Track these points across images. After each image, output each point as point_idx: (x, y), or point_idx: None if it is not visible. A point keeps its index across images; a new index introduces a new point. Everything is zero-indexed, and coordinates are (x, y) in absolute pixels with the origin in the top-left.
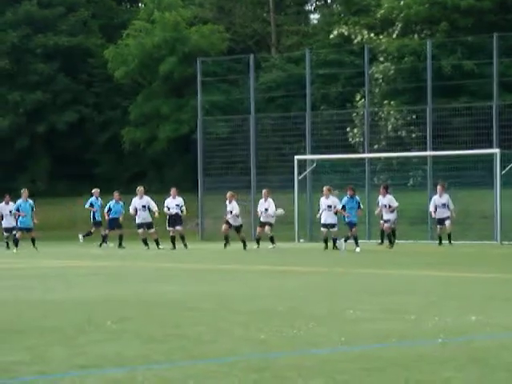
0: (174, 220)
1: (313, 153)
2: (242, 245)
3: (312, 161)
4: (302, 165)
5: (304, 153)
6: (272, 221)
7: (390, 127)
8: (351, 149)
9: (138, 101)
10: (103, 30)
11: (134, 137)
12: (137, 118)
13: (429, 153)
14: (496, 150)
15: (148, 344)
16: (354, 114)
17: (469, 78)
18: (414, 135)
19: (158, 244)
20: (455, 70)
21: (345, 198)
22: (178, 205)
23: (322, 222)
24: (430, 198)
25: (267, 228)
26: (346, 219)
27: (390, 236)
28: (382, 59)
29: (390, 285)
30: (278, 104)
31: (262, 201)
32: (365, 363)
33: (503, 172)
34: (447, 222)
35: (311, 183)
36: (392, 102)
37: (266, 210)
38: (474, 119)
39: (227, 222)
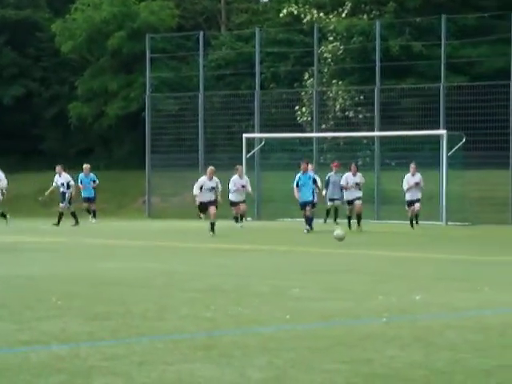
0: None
1: (261, 131)
2: (193, 223)
3: (260, 139)
4: (251, 143)
5: (252, 131)
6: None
7: (338, 107)
8: (299, 128)
9: (86, 76)
10: (51, 4)
11: (81, 112)
12: (84, 93)
13: (376, 133)
14: (443, 132)
15: (93, 321)
16: (303, 93)
17: (417, 59)
18: (361, 115)
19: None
20: (403, 50)
21: (299, 174)
22: (213, 187)
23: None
24: (377, 178)
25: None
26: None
27: (360, 216)
28: (331, 39)
29: (336, 264)
30: (227, 82)
31: (235, 177)
32: (310, 342)
33: (449, 153)
34: (417, 205)
35: (259, 161)
36: (340, 82)
37: (243, 186)
38: (422, 100)
39: (234, 203)
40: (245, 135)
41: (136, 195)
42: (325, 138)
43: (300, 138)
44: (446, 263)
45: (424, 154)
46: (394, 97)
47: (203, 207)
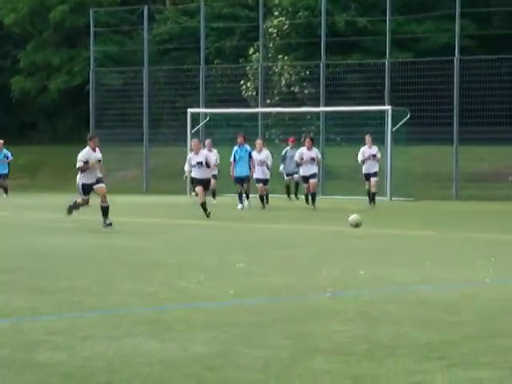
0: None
1: (206, 106)
2: (138, 198)
3: (205, 114)
4: (196, 118)
5: (197, 106)
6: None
7: (283, 82)
8: (245, 103)
9: (29, 50)
10: None
11: (23, 86)
12: (27, 67)
13: (321, 109)
14: (387, 107)
15: (36, 295)
16: (248, 68)
17: (362, 35)
18: (307, 91)
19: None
20: (349, 26)
21: (235, 148)
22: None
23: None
24: (322, 154)
25: (212, 182)
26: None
27: (314, 195)
28: (276, 13)
29: (281, 239)
30: (172, 57)
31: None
32: (254, 317)
33: (394, 129)
34: (373, 180)
35: (204, 137)
36: (286, 57)
37: (263, 162)
38: (367, 76)
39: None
40: (189, 110)
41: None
42: (270, 114)
43: (245, 114)
44: (390, 238)
45: (369, 130)
46: (339, 72)
47: (196, 185)
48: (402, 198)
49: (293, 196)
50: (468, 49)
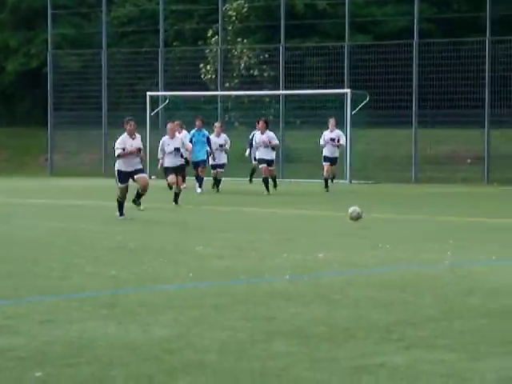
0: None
1: (165, 89)
2: (97, 181)
3: (164, 97)
4: (155, 101)
5: (156, 89)
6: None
7: (242, 65)
8: (204, 86)
9: None
10: None
11: None
12: None
13: (281, 92)
14: (347, 90)
15: None
16: (207, 51)
17: (321, 18)
18: (266, 74)
19: None
20: (308, 9)
21: (192, 131)
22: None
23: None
24: (282, 137)
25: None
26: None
27: (267, 179)
28: None
29: (240, 222)
30: (131, 40)
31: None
32: (213, 299)
33: (353, 112)
34: (326, 165)
35: (163, 120)
36: (245, 40)
37: (221, 146)
38: (326, 59)
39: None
40: (148, 93)
41: (38, 153)
42: (229, 97)
43: (204, 97)
44: (348, 221)
45: (328, 113)
46: (298, 55)
47: (170, 173)
48: (361, 181)
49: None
50: (427, 32)
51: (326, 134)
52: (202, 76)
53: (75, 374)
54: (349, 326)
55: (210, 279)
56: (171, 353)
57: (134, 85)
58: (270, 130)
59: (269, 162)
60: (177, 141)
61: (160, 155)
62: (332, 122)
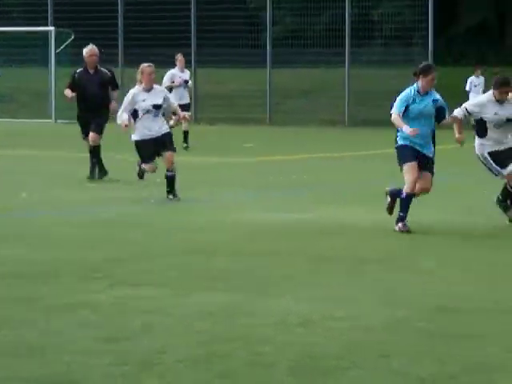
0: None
1: None
2: None
3: None
4: None
5: None
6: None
7: None
8: None
9: None
10: None
11: None
12: None
13: None
14: (51, 28)
15: None
16: None
17: None
18: None
19: None
20: None
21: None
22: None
23: None
24: None
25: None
26: None
27: None
28: None
29: None
30: None
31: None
32: None
33: (58, 50)
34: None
35: None
36: None
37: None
38: None
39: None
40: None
41: None
42: None
43: None
44: (52, 160)
45: (32, 51)
46: None
47: (147, 151)
48: (67, 121)
49: None
50: None
51: (177, 74)
52: None
53: None
54: (52, 266)
55: None
56: None
57: None
58: None
59: None
60: (159, 95)
61: (124, 117)
62: (181, 58)
